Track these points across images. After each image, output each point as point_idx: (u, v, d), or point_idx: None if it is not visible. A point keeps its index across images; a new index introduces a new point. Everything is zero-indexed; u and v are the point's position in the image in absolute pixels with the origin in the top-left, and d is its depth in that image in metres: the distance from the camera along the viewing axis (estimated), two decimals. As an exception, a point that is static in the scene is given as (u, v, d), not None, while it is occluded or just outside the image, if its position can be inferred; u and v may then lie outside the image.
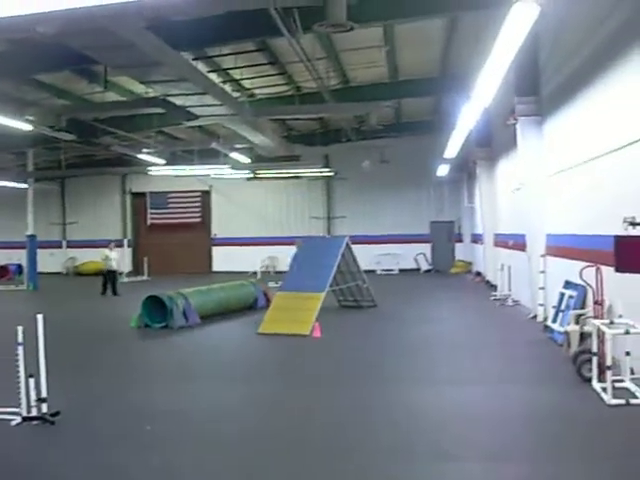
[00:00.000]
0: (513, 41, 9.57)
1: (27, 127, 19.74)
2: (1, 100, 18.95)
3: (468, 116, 15.82)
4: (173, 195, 37.22)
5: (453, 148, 22.04)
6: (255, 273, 30.75)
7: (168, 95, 16.12)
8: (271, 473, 6.64)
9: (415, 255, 35.05)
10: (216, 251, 37.24)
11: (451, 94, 20.40)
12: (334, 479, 6.46)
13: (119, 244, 35.22)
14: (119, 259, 26.39)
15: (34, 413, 8.15)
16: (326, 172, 33.14)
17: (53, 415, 8.14)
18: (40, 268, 30.88)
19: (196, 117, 18.46)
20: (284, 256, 31.79)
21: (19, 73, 17.80)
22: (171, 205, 37.31)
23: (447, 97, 22.61)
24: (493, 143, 23.93)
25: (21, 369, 8.11)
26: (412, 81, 21.78)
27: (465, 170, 30.23)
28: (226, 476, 6.62)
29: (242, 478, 6.54)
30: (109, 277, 25.46)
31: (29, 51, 16.02)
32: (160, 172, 30.29)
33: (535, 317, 15.96)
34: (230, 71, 19.78)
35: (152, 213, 37.69)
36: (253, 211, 36.56)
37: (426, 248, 35.31)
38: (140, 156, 27.39)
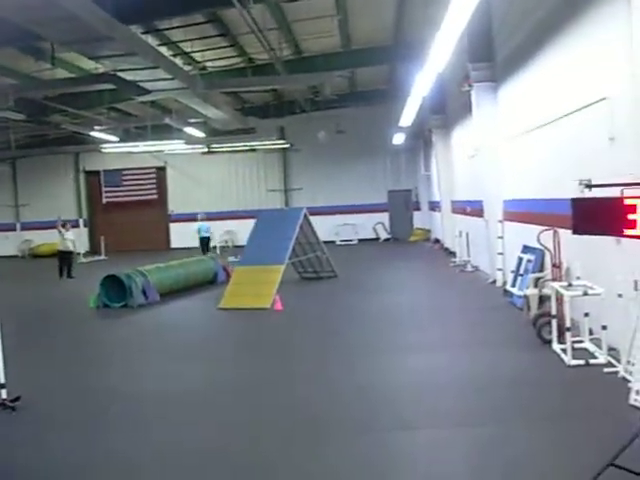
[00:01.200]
0: (466, 6, 9.50)
1: (-27, 107, 19.31)
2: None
3: (422, 84, 15.77)
4: (127, 172, 36.80)
5: (408, 116, 22.02)
6: (214, 248, 30.56)
7: (118, 70, 15.89)
8: (234, 451, 6.58)
9: (374, 225, 35.14)
10: (174, 227, 36.94)
11: (405, 62, 20.36)
12: (297, 453, 6.42)
13: (74, 224, 34.93)
14: (75, 240, 25.53)
15: (-7, 399, 8.02)
16: (281, 144, 33.01)
17: (13, 401, 8.00)
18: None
19: (148, 92, 18.23)
20: (242, 230, 31.67)
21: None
22: (126, 183, 36.89)
23: (401, 65, 22.56)
24: (448, 110, 23.97)
25: (-22, 356, 7.96)
26: (365, 50, 21.69)
27: (421, 138, 30.30)
28: (185, 456, 6.55)
29: (203, 459, 6.47)
30: (64, 259, 24.33)
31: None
32: (113, 149, 29.92)
33: (494, 282, 16.09)
34: (180, 44, 19.49)
35: (107, 191, 37.25)
36: (210, 186, 36.30)
37: (384, 217, 35.42)
38: (92, 134, 27.02)
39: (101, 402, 8.43)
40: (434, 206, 30.07)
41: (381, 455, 6.27)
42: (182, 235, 35.64)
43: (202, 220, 27.97)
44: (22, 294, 19.79)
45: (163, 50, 18.55)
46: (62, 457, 6.65)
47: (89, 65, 19.86)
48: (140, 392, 8.84)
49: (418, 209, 34.91)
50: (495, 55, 15.73)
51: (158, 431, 7.27)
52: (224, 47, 20.50)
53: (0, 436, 7.42)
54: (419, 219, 34.94)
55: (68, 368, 10.56)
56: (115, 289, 16.10)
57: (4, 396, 8.00)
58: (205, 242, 27.53)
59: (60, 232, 24.19)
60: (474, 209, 18.75)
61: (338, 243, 32.83)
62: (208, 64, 21.94)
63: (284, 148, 34.34)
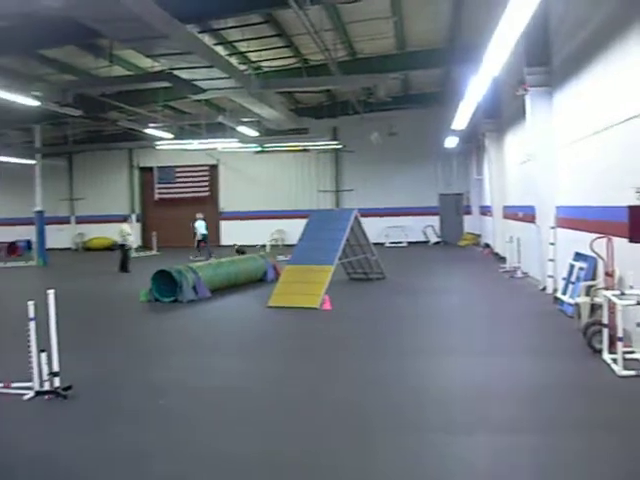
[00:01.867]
0: (524, 9, 9.41)
1: (34, 103, 19.69)
2: (7, 76, 18.94)
3: (477, 87, 15.67)
4: (181, 169, 37.22)
5: (462, 120, 21.89)
6: (264, 246, 30.74)
7: (174, 69, 16.02)
8: (284, 449, 6.63)
9: (423, 227, 35.00)
10: (224, 225, 37.24)
11: (459, 65, 20.26)
12: (345, 452, 6.44)
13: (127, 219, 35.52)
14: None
15: (46, 387, 8.19)
16: (334, 145, 33.04)
17: (65, 389, 8.19)
18: (49, 244, 30.99)
19: (203, 90, 18.37)
20: (293, 229, 31.84)
21: (25, 48, 17.77)
22: (179, 179, 37.31)
23: (455, 68, 22.44)
24: (501, 114, 23.78)
25: (33, 344, 8.13)
26: (420, 52, 21.63)
27: (474, 142, 30.08)
28: (236, 451, 6.62)
29: (254, 453, 6.54)
30: (124, 253, 24.60)
31: (35, 26, 15.96)
32: (167, 146, 30.26)
33: (544, 289, 15.93)
34: (236, 44, 19.67)
35: (160, 188, 37.71)
36: (261, 185, 36.50)
37: (434, 220, 35.24)
38: (147, 131, 27.35)
39: (149, 394, 8.57)
40: (485, 210, 29.84)
41: (433, 458, 6.28)
42: (233, 233, 36.00)
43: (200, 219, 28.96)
44: (75, 286, 20.12)
45: (219, 49, 18.72)
46: (105, 448, 6.76)
47: (146, 63, 20.17)
48: (188, 385, 8.95)
49: (469, 213, 34.66)
50: (551, 59, 15.56)
51: (205, 426, 7.36)
52: (279, 47, 20.63)
53: (51, 422, 7.61)
54: (469, 223, 34.70)
55: (118, 360, 10.72)
56: (166, 284, 16.32)
57: (57, 384, 8.19)
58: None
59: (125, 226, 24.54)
60: (526, 214, 18.56)
61: (387, 245, 32.78)
62: (263, 64, 22.10)
63: (336, 149, 34.38)
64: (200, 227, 28.50)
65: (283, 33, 19.28)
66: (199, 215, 28.84)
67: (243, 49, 20.19)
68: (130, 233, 24.80)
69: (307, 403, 8.06)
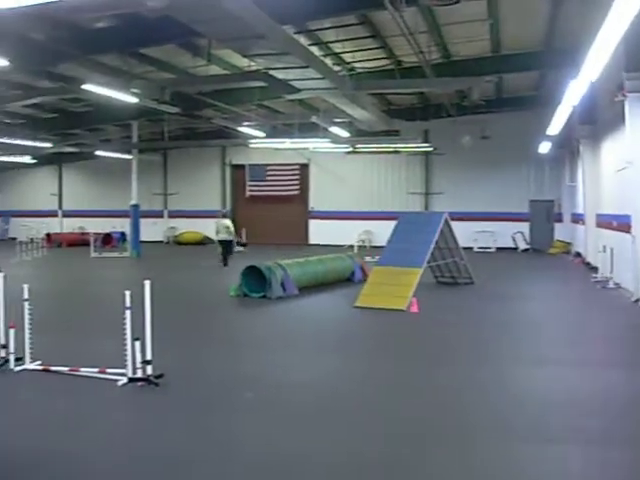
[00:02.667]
0: (626, 13, 9.21)
1: (133, 100, 20.28)
2: (109, 74, 19.52)
3: (574, 92, 15.38)
4: (272, 168, 37.62)
5: (556, 125, 21.50)
6: (351, 247, 30.85)
7: (270, 68, 16.24)
8: (367, 450, 6.67)
9: (513, 233, 34.44)
10: (313, 224, 37.50)
11: (556, 69, 19.91)
12: (432, 457, 6.45)
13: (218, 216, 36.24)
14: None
15: (139, 375, 8.46)
16: (425, 147, 32.87)
17: (157, 377, 8.44)
18: (142, 237, 31.82)
19: (297, 90, 18.54)
20: (380, 231, 31.84)
21: (126, 47, 18.29)
22: (270, 177, 37.73)
23: (551, 72, 22.06)
24: (598, 120, 23.25)
25: (128, 332, 8.41)
26: (515, 55, 21.30)
27: (567, 148, 29.46)
28: (319, 449, 6.70)
29: (339, 450, 6.62)
30: (225, 247, 24.98)
31: (135, 26, 16.44)
32: (260, 145, 30.66)
33: (638, 301, 15.53)
34: (331, 44, 19.81)
35: (251, 185, 38.20)
36: (351, 185, 36.60)
37: (524, 227, 34.63)
38: (241, 129, 27.81)
39: (236, 386, 8.75)
40: (577, 218, 29.17)
41: (525, 466, 6.23)
42: (321, 232, 36.26)
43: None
44: (167, 278, 20.57)
45: (314, 50, 18.89)
46: (192, 436, 6.94)
47: (242, 62, 20.48)
48: (274, 380, 9.09)
49: (560, 220, 33.92)
50: (653, 64, 15.16)
51: (289, 421, 7.46)
52: (373, 49, 20.67)
53: (142, 409, 7.87)
54: (560, 231, 33.94)
55: (207, 351, 10.98)
56: (255, 280, 16.57)
57: (149, 372, 8.45)
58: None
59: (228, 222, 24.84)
60: (621, 224, 18.11)
61: (476, 250, 32.41)
62: (357, 65, 22.17)
63: (427, 151, 34.20)
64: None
65: (377, 34, 19.31)
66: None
67: (338, 50, 20.32)
68: (229, 226, 25.05)
69: (392, 405, 8.07)
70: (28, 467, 6.15)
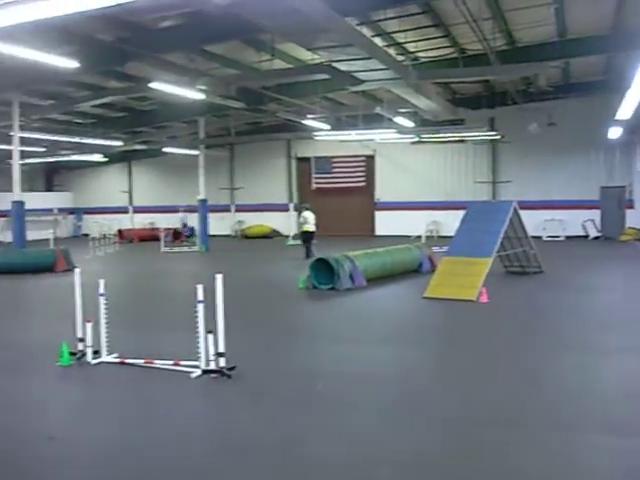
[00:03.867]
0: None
1: (199, 96, 20.57)
2: (175, 71, 19.82)
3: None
4: (337, 160, 37.67)
5: (626, 109, 21.01)
6: (419, 237, 30.70)
7: (333, 61, 16.27)
8: (434, 444, 6.69)
9: (583, 221, 33.76)
10: (379, 215, 37.44)
11: (625, 52, 19.45)
12: (498, 449, 6.42)
13: (285, 209, 36.69)
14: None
15: (212, 367, 8.61)
16: (491, 135, 32.47)
17: (230, 369, 8.58)
18: (210, 231, 32.21)
19: (361, 82, 18.56)
20: (448, 221, 31.66)
21: (191, 45, 18.54)
22: (335, 169, 37.78)
23: (620, 55, 21.56)
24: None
25: (201, 325, 8.57)
26: (582, 39, 20.86)
27: (638, 132, 28.78)
28: (387, 441, 6.73)
29: (409, 444, 6.64)
30: (306, 238, 24.88)
31: (200, 23, 16.69)
32: (325, 137, 30.73)
33: None
34: (394, 35, 19.74)
35: (317, 177, 38.33)
36: (417, 175, 36.42)
37: (595, 214, 33.89)
38: (305, 122, 27.91)
39: (306, 378, 8.83)
40: (650, 204, 28.51)
41: (588, 458, 6.18)
42: (387, 223, 36.21)
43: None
44: (236, 271, 20.77)
45: (377, 41, 18.85)
46: (263, 427, 7.04)
47: (305, 56, 20.59)
48: (344, 372, 9.15)
49: (631, 207, 33.13)
50: None
51: (359, 413, 7.51)
52: (437, 37, 20.53)
53: (215, 400, 8.01)
54: (632, 218, 33.13)
55: (277, 344, 11.10)
56: (324, 272, 16.66)
57: (222, 364, 8.59)
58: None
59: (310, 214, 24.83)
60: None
61: (545, 239, 31.93)
62: (420, 54, 22.07)
63: (494, 139, 33.79)
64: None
65: (441, 23, 19.18)
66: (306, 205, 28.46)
67: (401, 40, 20.24)
68: (308, 218, 24.95)
69: (469, 396, 8.06)
70: (115, 455, 6.35)
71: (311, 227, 24.64)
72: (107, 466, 6.12)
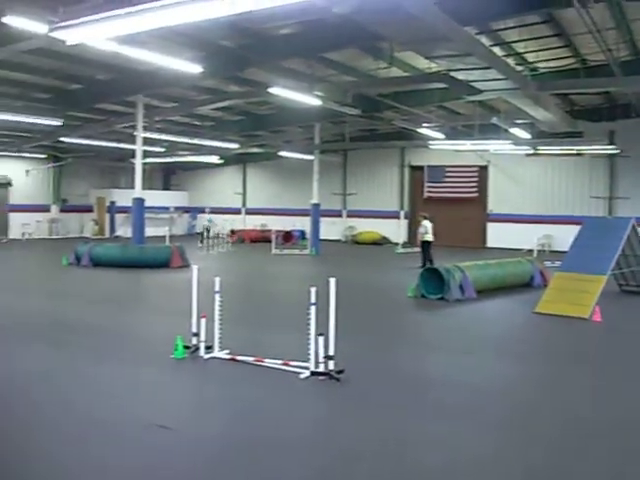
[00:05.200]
0: None
1: (316, 102, 20.86)
2: (294, 77, 20.18)
3: None
4: (451, 169, 37.39)
5: None
6: (530, 251, 30.18)
7: (451, 70, 16.23)
8: (535, 455, 6.63)
9: None
10: (491, 227, 36.95)
11: None
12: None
13: (395, 216, 36.72)
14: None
15: (321, 369, 8.77)
16: (610, 149, 31.56)
17: (339, 372, 8.71)
18: (321, 235, 32.55)
19: (479, 92, 18.41)
20: (560, 235, 31.00)
21: (310, 52, 18.86)
22: (448, 179, 37.52)
23: None
24: None
25: (312, 327, 8.74)
26: None
27: None
28: (508, 452, 6.71)
29: (513, 457, 6.61)
30: (425, 248, 24.30)
31: (319, 31, 16.95)
32: (440, 146, 30.60)
33: None
34: (513, 44, 19.52)
35: (429, 186, 38.15)
36: (530, 188, 35.75)
37: None
38: (420, 130, 27.87)
39: (414, 387, 8.83)
40: None
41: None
42: (499, 235, 35.69)
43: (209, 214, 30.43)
44: (346, 276, 20.89)
45: (496, 50, 18.68)
46: (369, 433, 7.13)
47: (423, 64, 20.58)
48: (451, 382, 9.15)
49: None
50: None
51: (465, 424, 7.50)
52: (557, 47, 20.18)
53: (323, 402, 8.15)
54: None
55: (385, 350, 11.18)
56: (433, 282, 16.62)
57: (331, 367, 8.74)
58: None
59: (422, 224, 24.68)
60: None
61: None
62: (540, 65, 21.72)
63: (612, 154, 32.81)
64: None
65: (562, 33, 18.83)
66: (207, 210, 29.06)
67: (520, 50, 19.99)
68: (428, 228, 24.46)
69: (582, 414, 7.93)
70: (223, 449, 6.57)
71: (431, 237, 24.45)
72: (216, 459, 6.34)
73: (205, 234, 33.37)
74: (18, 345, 11.00)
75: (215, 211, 43.29)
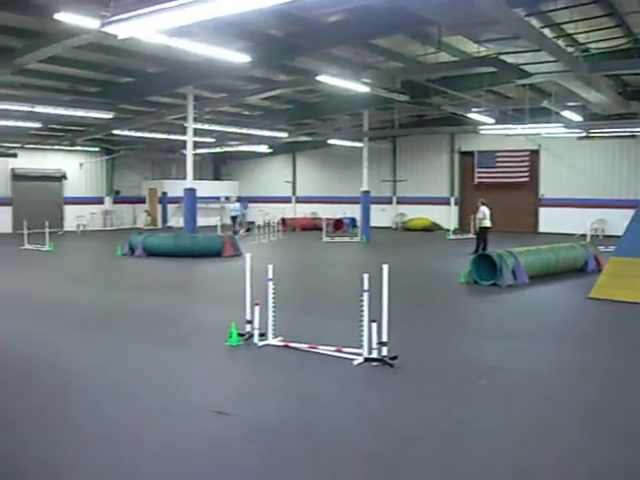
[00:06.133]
0: None
1: (364, 89, 20.84)
2: (341, 65, 20.16)
3: None
4: (501, 154, 37.02)
5: None
6: (583, 236, 29.79)
7: (500, 53, 16.08)
8: (583, 446, 6.60)
9: None
10: (543, 212, 36.50)
11: None
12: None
13: (446, 202, 36.57)
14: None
15: (375, 355, 8.81)
16: (665, 130, 30.95)
17: (392, 359, 8.75)
18: (372, 222, 32.53)
19: (529, 75, 18.20)
20: (614, 219, 30.54)
21: (358, 39, 18.80)
22: (499, 164, 37.15)
23: None
24: None
25: (365, 314, 8.79)
26: None
27: None
28: (564, 446, 6.67)
29: (564, 446, 6.58)
30: (481, 235, 24.31)
31: (367, 18, 16.87)
32: (490, 131, 30.32)
33: None
34: (564, 25, 19.24)
35: (479, 172, 37.83)
36: (583, 172, 35.19)
37: None
38: (469, 115, 27.65)
39: (468, 374, 8.82)
40: None
41: None
42: (551, 220, 35.26)
43: (233, 202, 29.31)
44: (398, 263, 20.90)
45: (546, 32, 18.43)
46: (424, 420, 7.17)
47: (471, 48, 20.39)
48: (505, 368, 9.12)
49: None
50: None
51: (521, 411, 7.50)
52: (609, 27, 19.81)
53: (376, 388, 8.20)
54: None
55: (437, 336, 11.17)
56: (485, 268, 16.53)
57: (384, 353, 8.77)
58: (233, 219, 30.66)
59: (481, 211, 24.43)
60: None
61: None
62: (591, 45, 21.36)
63: (668, 135, 32.17)
64: (233, 209, 27.27)
65: (614, 12, 18.50)
66: (232, 198, 28.35)
67: (571, 31, 19.68)
68: (487, 215, 24.41)
69: (633, 404, 7.81)
70: (279, 435, 6.66)
71: (489, 223, 24.25)
72: (272, 444, 6.42)
73: (235, 223, 33.69)
74: (75, 333, 11.26)
75: (265, 200, 43.79)
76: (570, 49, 20.57)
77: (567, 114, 25.88)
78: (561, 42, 20.03)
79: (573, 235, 29.74)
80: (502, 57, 16.40)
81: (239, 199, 38.02)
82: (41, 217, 31.46)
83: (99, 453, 6.18)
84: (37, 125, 27.28)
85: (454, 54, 21.42)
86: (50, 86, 23.66)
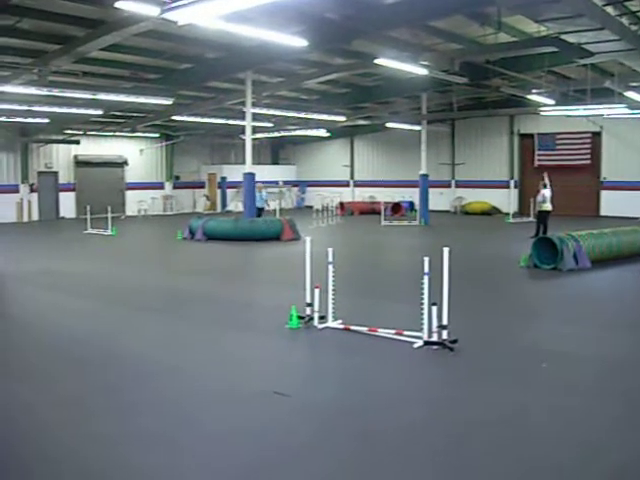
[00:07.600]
0: None
1: (422, 72, 20.71)
2: (399, 47, 20.04)
3: None
4: (562, 136, 36.38)
5: None
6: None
7: (562, 33, 15.83)
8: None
9: None
10: (605, 195, 35.81)
11: None
12: None
13: (506, 185, 36.13)
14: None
15: (434, 338, 8.82)
16: None
17: (452, 342, 8.74)
18: (430, 206, 32.37)
19: (591, 54, 17.89)
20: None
21: (415, 21, 18.64)
22: (559, 146, 36.55)
23: None
24: None
25: (426, 297, 8.79)
26: None
27: None
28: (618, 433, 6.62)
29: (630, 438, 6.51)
30: (542, 218, 23.88)
31: (423, -1, 16.74)
32: (550, 113, 29.84)
33: None
34: (627, 3, 18.78)
35: (540, 154, 37.26)
36: (647, 154, 34.45)
37: None
38: (529, 97, 27.26)
39: (529, 357, 8.77)
40: None
41: None
42: (613, 203, 34.60)
43: (260, 190, 27.33)
44: (457, 246, 20.83)
45: (609, 10, 18.04)
46: (483, 404, 7.16)
47: (531, 28, 20.06)
48: (569, 354, 8.99)
49: None
50: None
51: (588, 397, 7.43)
52: (677, 4, 19.35)
53: (436, 372, 8.21)
54: None
55: (498, 320, 11.14)
56: (546, 251, 16.34)
57: (445, 337, 8.77)
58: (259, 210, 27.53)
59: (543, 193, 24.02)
60: None
61: None
62: (657, 24, 20.86)
63: None
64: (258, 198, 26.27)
65: (682, -11, 18.05)
66: (259, 185, 26.79)
67: (634, 8, 19.23)
68: (547, 198, 24.00)
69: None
70: (340, 417, 6.74)
71: (549, 206, 23.87)
72: (332, 425, 6.51)
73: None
74: (140, 315, 11.49)
75: (323, 184, 43.88)
76: (634, 27, 20.11)
77: (631, 94, 25.30)
78: (625, 20, 19.58)
79: (636, 219, 29.13)
80: (563, 37, 16.19)
81: (268, 184, 35.95)
82: (103, 202, 32.12)
83: (162, 433, 6.31)
84: (99, 112, 27.66)
85: (514, 34, 21.11)
86: (111, 73, 24.00)
